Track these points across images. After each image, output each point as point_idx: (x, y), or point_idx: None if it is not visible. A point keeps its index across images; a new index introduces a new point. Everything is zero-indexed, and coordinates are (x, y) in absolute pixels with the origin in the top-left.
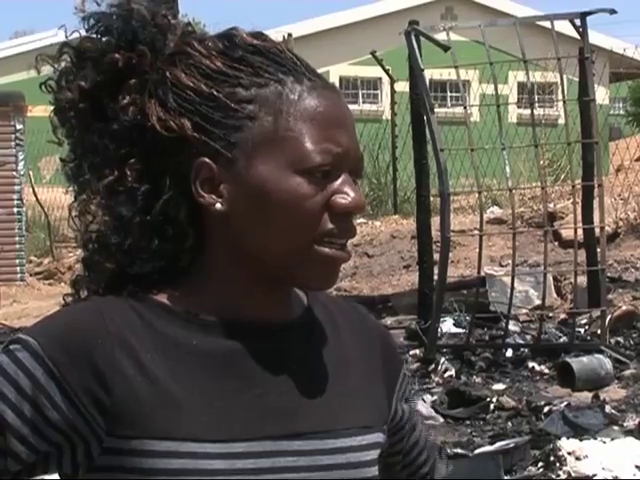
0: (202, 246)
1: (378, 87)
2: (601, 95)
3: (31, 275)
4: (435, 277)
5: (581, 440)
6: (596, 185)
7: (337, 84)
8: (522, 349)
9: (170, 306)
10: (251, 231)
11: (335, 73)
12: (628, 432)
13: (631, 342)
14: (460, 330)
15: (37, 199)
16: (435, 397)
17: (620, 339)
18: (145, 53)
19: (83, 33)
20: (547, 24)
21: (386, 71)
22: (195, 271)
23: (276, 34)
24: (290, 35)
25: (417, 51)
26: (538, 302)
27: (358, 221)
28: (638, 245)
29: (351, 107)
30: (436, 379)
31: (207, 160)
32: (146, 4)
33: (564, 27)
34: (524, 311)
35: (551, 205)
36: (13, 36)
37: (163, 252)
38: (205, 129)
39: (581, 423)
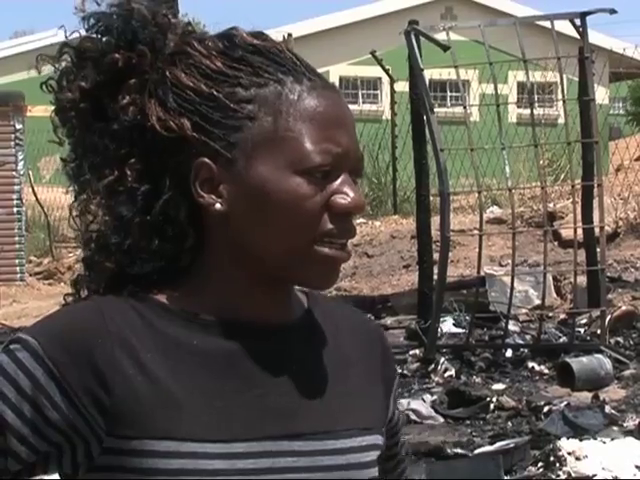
0: (202, 246)
1: (378, 87)
2: (601, 95)
3: (31, 275)
4: (435, 277)
5: (581, 440)
6: (596, 185)
7: (337, 84)
8: (522, 349)
9: (170, 306)
10: (251, 231)
11: (335, 73)
12: (628, 432)
13: (631, 342)
14: (460, 330)
15: (37, 199)
16: (435, 397)
17: (620, 339)
18: (145, 53)
19: (83, 33)
20: (547, 24)
21: (386, 71)
22: (195, 271)
23: (276, 34)
24: (290, 35)
25: (417, 51)
26: (538, 302)
27: (358, 221)
28: (638, 245)
29: (351, 107)
30: (436, 379)
31: (207, 160)
32: (146, 4)
33: (564, 27)
34: (524, 311)
35: (551, 205)
36: (13, 36)
37: (163, 252)
38: (205, 129)
39: (581, 423)
